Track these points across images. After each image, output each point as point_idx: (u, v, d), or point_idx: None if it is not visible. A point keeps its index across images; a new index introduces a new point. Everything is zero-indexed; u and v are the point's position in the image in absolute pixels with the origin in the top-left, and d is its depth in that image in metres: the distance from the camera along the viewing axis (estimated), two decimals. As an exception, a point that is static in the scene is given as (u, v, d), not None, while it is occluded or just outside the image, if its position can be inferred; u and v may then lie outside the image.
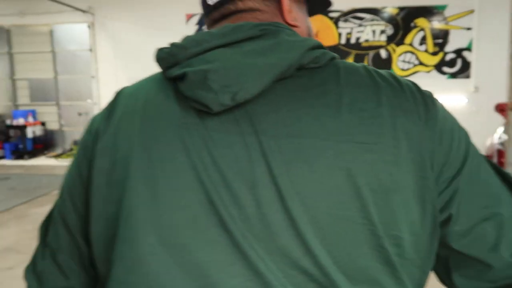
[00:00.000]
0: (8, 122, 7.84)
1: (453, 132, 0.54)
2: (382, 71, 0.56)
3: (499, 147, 4.22)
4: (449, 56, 6.74)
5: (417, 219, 0.50)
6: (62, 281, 0.60)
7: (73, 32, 7.99)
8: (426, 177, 0.50)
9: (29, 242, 3.59)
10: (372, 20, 6.87)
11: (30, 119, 7.86)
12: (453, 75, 6.76)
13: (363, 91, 0.52)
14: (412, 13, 6.75)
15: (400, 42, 6.85)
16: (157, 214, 0.50)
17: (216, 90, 0.49)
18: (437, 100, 0.56)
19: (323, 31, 6.83)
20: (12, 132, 7.76)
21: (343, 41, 6.98)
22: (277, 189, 0.48)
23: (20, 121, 7.71)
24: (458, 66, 6.71)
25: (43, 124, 8.13)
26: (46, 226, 0.63)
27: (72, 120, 8.23)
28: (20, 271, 2.42)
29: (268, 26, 0.54)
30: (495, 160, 4.30)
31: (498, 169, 0.58)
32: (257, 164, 0.49)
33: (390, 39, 6.88)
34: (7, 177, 6.22)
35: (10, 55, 8.31)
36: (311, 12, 0.69)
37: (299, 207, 0.48)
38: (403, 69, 6.85)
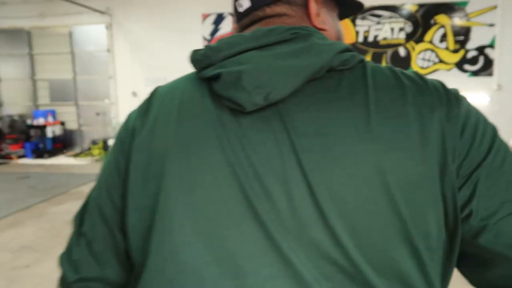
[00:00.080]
0: (28, 122, 8.01)
1: (477, 126, 0.54)
2: (408, 72, 0.58)
3: (524, 147, 4.06)
4: (471, 54, 6.55)
5: (442, 214, 0.51)
6: (97, 270, 0.61)
7: (91, 33, 8.11)
8: (449, 172, 0.51)
9: (46, 240, 3.64)
10: (391, 17, 6.74)
11: (50, 119, 8.01)
12: (475, 73, 6.57)
13: (389, 90, 0.54)
14: (432, 9, 6.59)
15: (419, 40, 6.70)
16: (193, 206, 0.53)
17: (250, 90, 0.51)
18: (462, 96, 0.56)
19: (340, 29, 6.73)
20: (32, 132, 7.92)
21: (360, 39, 6.87)
22: (308, 184, 0.50)
23: (40, 121, 7.87)
24: (480, 63, 6.52)
25: (62, 123, 8.28)
26: (82, 216, 0.64)
27: (90, 120, 8.35)
28: (36, 269, 2.45)
29: (299, 30, 0.55)
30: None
31: None
32: (288, 160, 0.52)
33: (409, 37, 6.73)
34: (27, 176, 6.33)
35: (31, 56, 8.48)
36: (343, 15, 0.71)
37: (328, 201, 0.50)
38: (422, 67, 6.69)
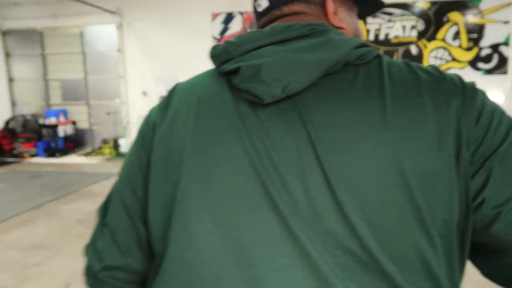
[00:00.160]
0: (41, 121, 8.10)
1: (492, 115, 0.54)
2: (425, 66, 0.58)
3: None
4: (485, 52, 6.44)
5: (457, 202, 0.52)
6: (121, 258, 0.64)
7: (102, 33, 8.16)
8: (463, 160, 0.52)
9: (56, 239, 3.66)
10: (402, 15, 6.65)
11: (62, 118, 8.09)
12: (489, 71, 6.45)
13: (405, 83, 0.55)
14: (444, 7, 6.48)
15: (431, 38, 6.60)
16: (211, 195, 0.55)
17: (268, 83, 0.53)
18: (479, 89, 0.56)
19: (351, 27, 6.67)
20: (44, 131, 8.01)
21: (371, 37, 6.79)
22: (324, 175, 0.51)
23: (52, 120, 7.95)
24: (494, 61, 6.40)
25: (73, 123, 8.36)
26: (105, 208, 0.66)
27: (101, 119, 8.41)
28: (46, 267, 2.46)
29: (316, 26, 0.57)
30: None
31: None
32: (305, 151, 0.53)
33: (421, 35, 6.64)
34: (39, 175, 6.40)
35: (43, 56, 8.58)
36: (364, 14, 0.72)
37: (345, 191, 0.51)
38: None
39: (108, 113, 8.29)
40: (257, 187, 0.53)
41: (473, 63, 6.50)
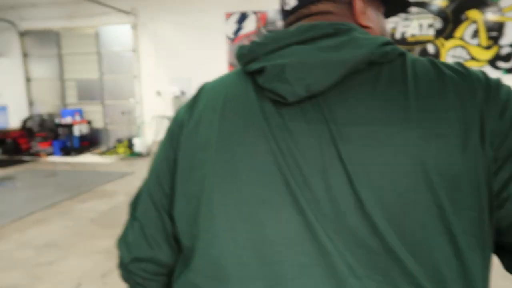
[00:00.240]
0: (57, 120, 8.22)
1: None
2: (451, 63, 0.58)
3: None
4: (505, 50, 6.26)
5: (481, 200, 0.51)
6: (148, 251, 0.67)
7: (117, 33, 8.23)
8: (487, 157, 0.51)
9: (69, 238, 3.69)
10: (419, 13, 6.51)
11: (77, 118, 8.19)
12: (509, 71, 6.27)
13: (429, 80, 0.54)
14: (463, 4, 6.33)
15: (449, 36, 6.45)
16: (236, 193, 0.56)
17: (292, 82, 0.54)
18: (504, 84, 0.55)
19: (366, 26, 6.57)
20: (60, 130, 8.12)
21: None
22: (346, 173, 0.52)
23: (68, 119, 8.06)
24: (515, 60, 6.22)
25: (89, 122, 8.45)
26: (136, 202, 0.70)
27: (115, 118, 8.49)
28: (59, 266, 2.47)
29: (340, 25, 0.57)
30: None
31: None
32: (327, 150, 0.53)
33: (438, 33, 6.49)
34: (54, 173, 6.49)
35: (60, 57, 8.70)
36: (391, 13, 0.73)
37: (367, 190, 0.51)
38: (452, 65, 6.44)
39: (123, 113, 8.36)
40: (281, 185, 0.54)
41: (492, 62, 6.33)
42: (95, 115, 8.64)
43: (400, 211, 0.50)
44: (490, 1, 6.22)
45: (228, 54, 7.46)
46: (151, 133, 8.09)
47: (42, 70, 8.85)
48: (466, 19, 6.35)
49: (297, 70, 0.54)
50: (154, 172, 0.68)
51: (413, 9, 6.52)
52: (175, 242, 0.66)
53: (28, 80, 8.91)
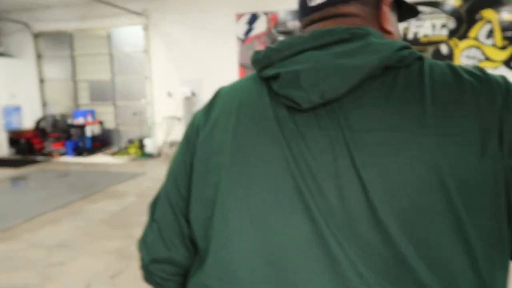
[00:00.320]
0: (69, 121, 8.31)
1: None
2: (469, 67, 0.57)
3: None
4: (521, 50, 6.13)
5: (500, 209, 0.50)
6: (165, 252, 0.68)
7: (128, 35, 8.29)
8: (505, 163, 0.50)
9: (80, 238, 3.72)
10: (432, 13, 6.42)
11: (89, 119, 8.27)
12: (525, 71, 6.14)
13: (447, 85, 0.53)
14: (477, 4, 6.22)
15: (463, 36, 6.34)
16: (249, 197, 0.56)
17: (307, 89, 0.54)
18: None
19: (378, 26, 6.50)
20: (73, 131, 8.20)
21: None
22: (360, 180, 0.51)
23: (80, 120, 8.14)
24: (531, 61, 6.09)
25: (101, 123, 8.53)
26: (155, 204, 0.72)
27: (127, 119, 8.55)
28: (69, 267, 2.49)
29: (356, 29, 0.56)
30: None
31: None
32: (340, 156, 0.53)
33: (452, 33, 6.39)
34: (66, 173, 6.56)
35: (72, 58, 8.79)
36: (401, 19, 0.73)
37: (380, 197, 0.50)
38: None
39: (134, 114, 8.41)
40: (292, 192, 0.54)
41: (507, 63, 6.20)
42: (107, 115, 8.71)
43: (414, 219, 0.49)
44: (505, 1, 6.10)
45: (239, 55, 7.46)
46: (162, 134, 8.12)
47: (55, 71, 8.96)
48: (481, 18, 6.24)
49: (311, 77, 0.54)
50: (172, 176, 0.70)
51: (426, 9, 6.43)
52: (192, 244, 0.68)
53: (41, 81, 9.03)
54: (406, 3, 0.69)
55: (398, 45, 0.54)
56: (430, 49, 6.50)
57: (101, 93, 8.71)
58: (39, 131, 8.38)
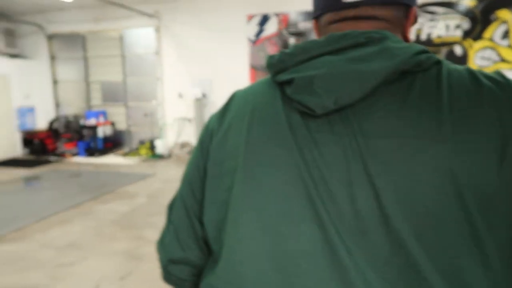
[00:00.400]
0: (82, 122, 8.39)
1: None
2: (491, 72, 0.55)
3: None
4: (537, 51, 5.99)
5: None
6: (181, 253, 0.70)
7: (140, 36, 8.34)
8: None
9: (90, 239, 3.74)
10: (445, 13, 6.32)
11: (101, 119, 8.34)
12: (542, 73, 6.00)
13: (465, 90, 0.52)
14: (492, 4, 6.10)
15: (478, 37, 6.23)
16: (260, 203, 0.57)
17: (321, 95, 0.53)
18: None
19: (390, 27, 6.42)
20: (85, 132, 8.28)
21: (412, 37, 6.50)
22: (373, 187, 0.50)
23: (92, 121, 8.22)
24: (548, 62, 5.95)
25: (112, 124, 8.60)
26: (171, 206, 0.74)
27: (138, 120, 8.60)
28: (80, 268, 2.51)
29: (373, 33, 0.55)
30: None
31: None
32: (353, 163, 0.52)
33: (466, 34, 6.28)
34: (78, 174, 6.63)
35: (85, 59, 8.89)
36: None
37: (394, 205, 0.49)
38: (481, 67, 6.21)
39: (145, 115, 8.46)
40: (302, 198, 0.54)
41: (524, 64, 6.07)
42: (119, 116, 8.78)
43: (429, 229, 0.48)
44: (521, 0, 5.97)
45: (250, 57, 7.44)
46: (172, 135, 8.15)
47: (68, 72, 9.07)
48: (496, 19, 6.12)
49: (325, 82, 0.53)
50: (187, 179, 0.71)
51: (440, 9, 6.33)
52: (206, 245, 0.69)
53: (55, 82, 9.14)
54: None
55: (415, 49, 0.53)
56: (444, 50, 6.40)
57: (113, 94, 8.78)
58: (52, 132, 8.48)
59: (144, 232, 3.86)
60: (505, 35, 6.11)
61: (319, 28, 0.66)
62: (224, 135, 0.64)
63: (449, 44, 6.37)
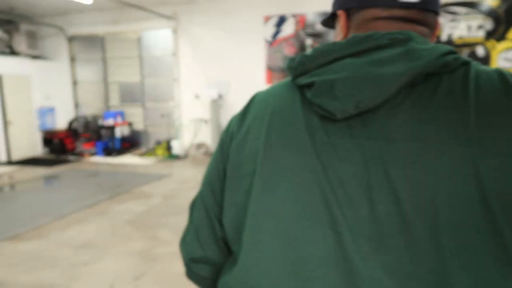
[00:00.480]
0: (100, 122, 8.51)
1: None
2: None
3: None
4: None
5: None
6: (201, 251, 0.71)
7: (158, 38, 8.41)
8: None
9: (106, 239, 3.76)
10: (467, 13, 6.16)
11: (119, 120, 8.44)
12: None
13: (493, 92, 0.50)
14: (517, 4, 5.91)
15: (501, 38, 6.05)
16: (276, 207, 0.57)
17: (341, 99, 0.52)
18: None
19: (410, 28, 6.29)
20: (103, 132, 8.40)
21: (432, 38, 6.37)
22: (393, 192, 0.49)
23: (110, 121, 8.32)
24: None
25: (130, 124, 8.69)
26: (193, 206, 0.75)
27: (155, 121, 8.67)
28: (95, 267, 2.51)
29: (398, 34, 0.53)
30: None
31: None
32: (373, 167, 0.51)
33: (489, 35, 6.11)
34: (96, 173, 6.71)
35: (104, 61, 9.01)
36: None
37: (415, 211, 0.48)
38: (505, 69, 6.03)
39: (162, 115, 8.52)
40: (319, 203, 0.53)
41: (550, 65, 5.87)
42: (136, 117, 8.87)
43: (452, 235, 0.47)
44: (548, 0, 5.78)
45: (266, 58, 7.41)
46: (189, 136, 8.19)
47: (88, 73, 9.21)
48: (521, 19, 5.94)
49: (346, 86, 0.52)
50: (207, 180, 0.71)
51: (461, 10, 6.18)
52: (225, 245, 0.70)
53: (74, 83, 9.30)
54: None
55: (442, 50, 0.51)
56: (465, 51, 6.24)
57: (130, 95, 8.88)
58: (71, 132, 8.63)
59: (158, 232, 3.87)
60: (530, 35, 5.93)
61: (348, 21, 0.62)
62: (243, 138, 0.64)
63: (471, 45, 6.21)
